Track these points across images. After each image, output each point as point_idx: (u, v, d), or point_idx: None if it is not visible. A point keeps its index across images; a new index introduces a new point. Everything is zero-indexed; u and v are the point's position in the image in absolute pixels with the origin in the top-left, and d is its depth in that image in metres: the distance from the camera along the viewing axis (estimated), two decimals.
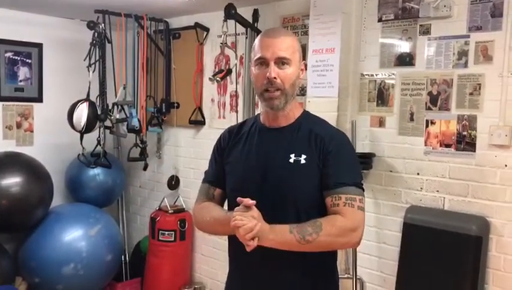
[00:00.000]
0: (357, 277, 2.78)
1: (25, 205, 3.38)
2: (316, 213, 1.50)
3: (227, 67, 3.44)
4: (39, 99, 3.90)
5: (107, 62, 3.53)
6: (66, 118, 3.43)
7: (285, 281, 1.57)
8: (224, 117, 3.60)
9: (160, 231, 3.69)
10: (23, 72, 3.80)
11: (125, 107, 3.64)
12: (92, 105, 3.38)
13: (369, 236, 2.80)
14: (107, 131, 3.59)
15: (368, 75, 2.82)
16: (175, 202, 3.87)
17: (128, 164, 4.02)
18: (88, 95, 3.42)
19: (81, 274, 3.40)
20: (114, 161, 3.84)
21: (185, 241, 3.75)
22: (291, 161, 1.54)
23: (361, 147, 2.81)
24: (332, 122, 2.74)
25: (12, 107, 3.76)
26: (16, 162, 3.47)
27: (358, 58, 2.84)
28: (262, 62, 1.53)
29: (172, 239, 3.68)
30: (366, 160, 2.75)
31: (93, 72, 3.43)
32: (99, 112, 3.43)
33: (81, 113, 3.34)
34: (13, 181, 3.34)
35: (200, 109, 3.75)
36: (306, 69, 1.66)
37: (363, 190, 1.54)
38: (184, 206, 3.84)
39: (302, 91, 3.04)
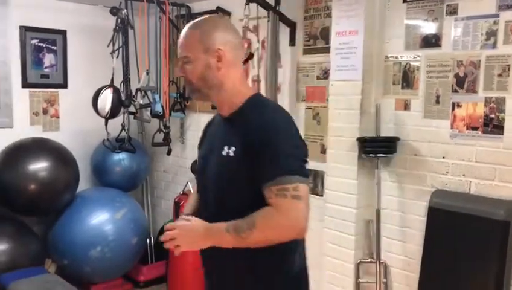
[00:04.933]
0: (381, 261, 2.77)
1: (52, 189, 3.46)
2: (252, 206, 1.41)
3: (249, 51, 3.42)
4: (64, 85, 3.96)
5: (130, 48, 3.55)
6: (91, 104, 3.48)
7: (229, 276, 1.57)
8: None
9: None
10: (48, 58, 3.86)
11: (149, 92, 3.67)
12: (116, 91, 3.42)
13: (393, 220, 2.78)
14: (131, 116, 3.63)
15: (393, 57, 2.77)
16: None
17: (152, 148, 4.07)
18: (112, 81, 3.45)
19: (108, 257, 3.48)
20: (138, 146, 3.89)
21: None
22: (224, 153, 1.49)
23: (385, 130, 2.77)
24: (355, 105, 2.74)
25: (38, 94, 3.83)
26: (43, 148, 3.55)
27: (383, 40, 2.79)
28: (178, 61, 1.57)
29: None
30: (391, 144, 2.72)
31: (116, 58, 3.46)
32: (123, 98, 3.47)
33: (106, 99, 3.38)
34: (41, 166, 3.43)
35: None
36: (224, 55, 1.49)
37: (304, 176, 1.42)
38: None
39: (325, 74, 3.01)
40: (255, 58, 3.34)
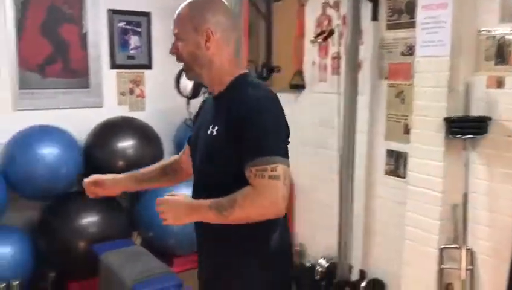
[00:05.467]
0: (467, 247, 2.64)
1: (138, 166, 3.59)
2: (236, 183, 1.44)
3: (329, 28, 3.34)
4: (149, 66, 4.11)
5: None
6: (174, 84, 3.59)
7: (211, 249, 1.66)
8: (325, 80, 3.53)
9: None
10: (133, 40, 4.03)
11: None
12: None
13: (480, 205, 2.62)
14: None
15: (486, 31, 2.57)
16: None
17: None
18: None
19: (191, 231, 3.60)
20: None
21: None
22: (209, 132, 1.54)
23: (475, 110, 2.60)
24: (443, 83, 2.59)
25: (125, 75, 4.02)
26: (130, 126, 3.74)
27: (474, 13, 2.60)
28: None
29: None
30: (481, 124, 2.54)
31: None
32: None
33: (188, 80, 3.46)
34: (128, 144, 3.62)
35: (300, 72, 3.70)
36: (213, 35, 1.53)
37: (284, 156, 1.46)
38: None
39: (410, 50, 2.87)
40: (335, 34, 3.25)
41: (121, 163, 3.56)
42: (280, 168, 1.42)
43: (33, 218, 3.56)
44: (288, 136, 1.56)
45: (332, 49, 3.40)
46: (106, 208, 3.52)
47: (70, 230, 3.37)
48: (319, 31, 3.44)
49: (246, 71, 1.66)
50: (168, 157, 2.02)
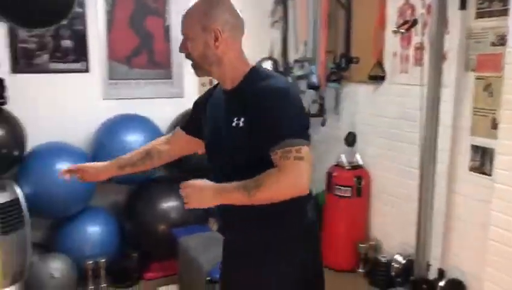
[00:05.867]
0: None
1: None
2: (263, 171, 1.50)
3: (412, 17, 3.23)
4: None
5: (289, 19, 3.60)
6: None
7: (244, 227, 1.69)
8: (406, 71, 3.41)
9: (337, 186, 3.75)
10: None
11: (306, 63, 3.71)
12: (274, 63, 3.52)
13: None
14: None
15: None
16: (352, 158, 3.87)
17: None
18: (271, 53, 3.56)
19: None
20: None
21: (361, 197, 3.75)
22: (234, 124, 1.58)
23: None
24: None
25: None
26: None
27: None
28: None
29: (349, 195, 3.72)
30: None
31: (276, 29, 3.54)
32: (280, 69, 3.56)
33: None
34: None
35: (380, 63, 3.61)
36: (221, 35, 1.58)
37: (306, 138, 1.53)
38: (361, 163, 3.82)
39: (502, 40, 2.70)
40: (419, 24, 3.13)
41: (200, 151, 3.68)
42: (304, 149, 1.49)
43: (119, 201, 3.79)
44: (308, 121, 1.63)
45: (415, 39, 3.28)
46: None
47: (152, 214, 3.55)
48: (401, 20, 3.33)
49: (255, 64, 1.72)
50: None
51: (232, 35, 1.62)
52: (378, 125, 3.69)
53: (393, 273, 3.34)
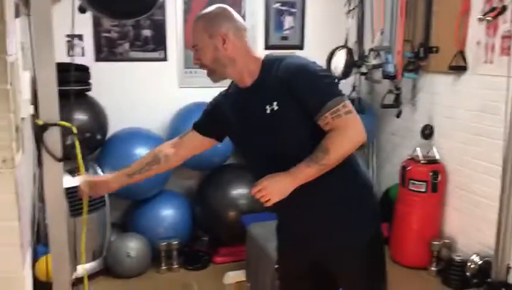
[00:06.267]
0: None
1: None
2: (313, 145, 1.60)
3: (501, 4, 3.02)
4: (300, 46, 4.17)
5: (366, 7, 3.51)
6: (325, 64, 3.60)
7: (310, 203, 1.72)
8: (491, 62, 3.21)
9: (411, 181, 3.62)
10: (288, 21, 4.11)
11: (382, 52, 3.60)
12: (349, 51, 3.45)
13: None
14: (363, 77, 3.64)
15: None
16: (428, 152, 3.72)
17: (381, 110, 4.02)
18: (346, 41, 3.50)
19: None
20: (367, 107, 3.89)
21: (436, 193, 3.60)
22: (268, 111, 1.65)
23: None
24: None
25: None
26: None
27: None
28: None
29: (424, 190, 3.58)
30: None
31: (351, 18, 3.47)
32: (356, 58, 3.49)
33: (339, 60, 3.45)
34: None
35: (462, 53, 3.42)
36: (227, 37, 1.68)
37: (341, 94, 1.63)
38: (438, 157, 3.66)
39: None
40: (508, 11, 2.93)
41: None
42: (347, 103, 1.62)
43: (192, 186, 3.92)
44: (335, 77, 1.73)
45: (503, 27, 3.06)
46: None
47: (223, 200, 3.63)
48: (487, 7, 3.13)
49: (266, 54, 1.78)
50: None
51: (237, 35, 1.71)
52: (458, 118, 3.51)
53: (468, 274, 3.19)
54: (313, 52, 4.06)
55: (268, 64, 1.71)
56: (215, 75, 1.75)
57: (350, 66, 3.45)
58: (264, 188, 1.59)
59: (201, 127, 1.96)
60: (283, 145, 1.69)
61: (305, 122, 1.64)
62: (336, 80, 1.74)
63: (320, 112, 1.59)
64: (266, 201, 1.61)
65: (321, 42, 3.98)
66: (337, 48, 3.52)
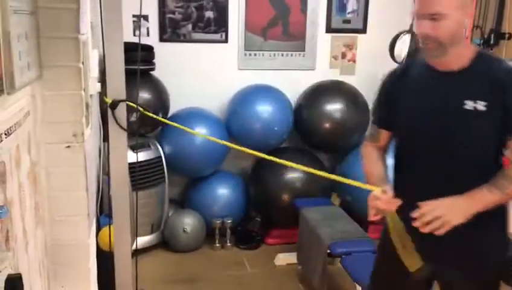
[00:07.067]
0: None
1: (344, 129, 3.73)
2: (495, 161, 1.49)
3: None
4: (363, 30, 4.08)
5: None
6: (388, 49, 3.50)
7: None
8: None
9: None
10: (351, 4, 4.02)
11: None
12: (414, 37, 3.34)
13: None
14: None
15: None
16: None
17: None
18: (411, 26, 3.38)
19: None
20: None
21: None
22: (468, 107, 1.48)
23: None
24: None
25: (339, 38, 4.07)
26: (339, 90, 3.82)
27: None
28: (419, 16, 1.49)
29: None
30: None
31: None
32: (419, 44, 3.37)
33: (403, 45, 3.35)
34: (336, 107, 3.72)
35: None
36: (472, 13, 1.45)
37: None
38: None
39: None
40: None
41: (327, 125, 3.70)
42: None
43: (247, 167, 3.98)
44: None
45: None
46: (310, 166, 3.70)
47: (277, 182, 3.66)
48: None
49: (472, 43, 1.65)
50: None
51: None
52: None
53: None
54: (376, 37, 3.97)
55: (485, 57, 1.54)
56: (437, 51, 1.49)
57: (414, 51, 3.33)
58: (439, 212, 1.41)
59: (383, 122, 1.75)
60: (464, 150, 1.52)
61: (497, 138, 1.48)
62: None
63: None
64: (440, 227, 1.40)
65: (385, 26, 3.86)
66: (401, 33, 3.40)
